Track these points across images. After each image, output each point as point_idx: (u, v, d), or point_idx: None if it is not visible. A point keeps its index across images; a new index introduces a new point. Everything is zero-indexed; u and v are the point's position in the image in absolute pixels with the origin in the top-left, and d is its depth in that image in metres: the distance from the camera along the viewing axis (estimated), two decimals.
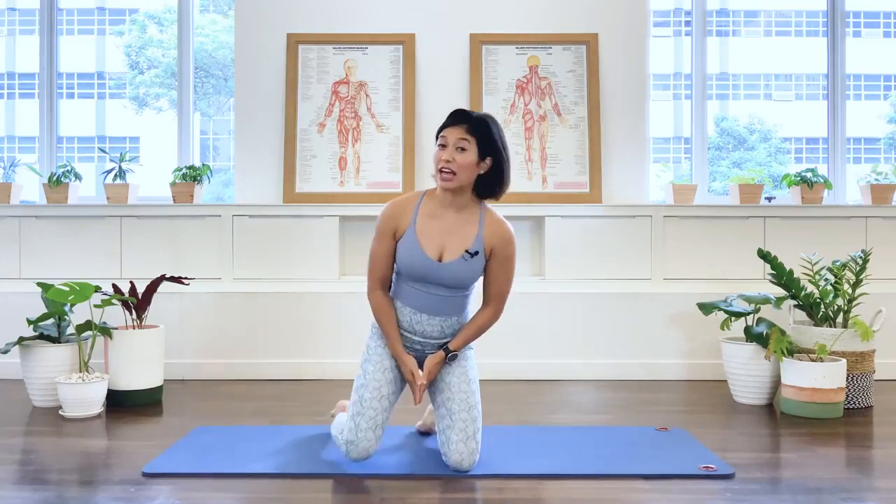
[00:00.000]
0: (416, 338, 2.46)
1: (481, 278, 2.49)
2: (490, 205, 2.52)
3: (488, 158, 2.37)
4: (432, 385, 2.47)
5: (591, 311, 3.94)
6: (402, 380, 2.48)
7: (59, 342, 3.36)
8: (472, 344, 2.55)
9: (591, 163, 4.18)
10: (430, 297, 2.41)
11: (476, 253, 2.39)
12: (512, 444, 2.68)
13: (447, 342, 2.46)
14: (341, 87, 4.25)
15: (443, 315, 2.44)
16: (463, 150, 2.33)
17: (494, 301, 2.48)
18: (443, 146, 2.35)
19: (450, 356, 2.44)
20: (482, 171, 2.40)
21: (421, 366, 2.46)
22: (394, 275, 2.50)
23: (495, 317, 2.50)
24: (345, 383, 3.64)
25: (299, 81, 4.23)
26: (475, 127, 2.34)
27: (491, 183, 2.43)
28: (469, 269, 2.40)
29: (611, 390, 3.68)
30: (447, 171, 2.34)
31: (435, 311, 2.43)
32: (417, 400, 2.41)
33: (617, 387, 3.75)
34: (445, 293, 2.42)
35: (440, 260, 2.38)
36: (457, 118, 2.36)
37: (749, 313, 3.47)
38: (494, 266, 2.45)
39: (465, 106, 4.23)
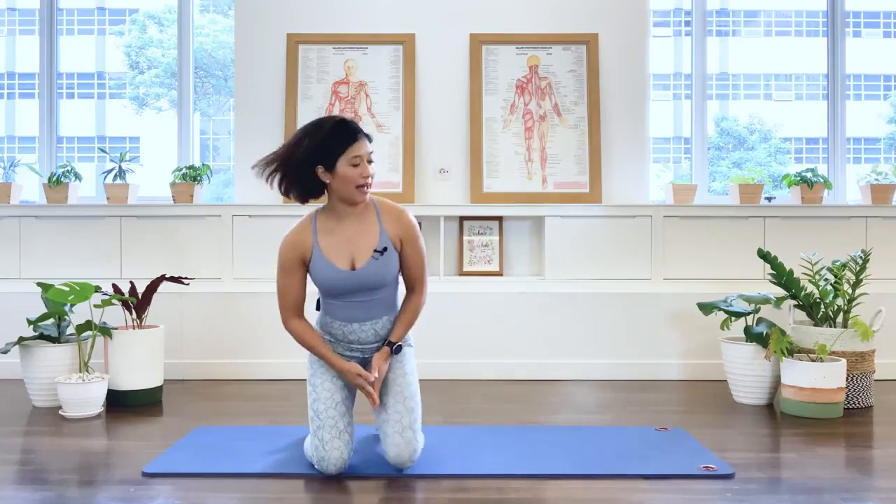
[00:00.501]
0: (353, 346, 2.49)
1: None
2: (375, 196, 2.51)
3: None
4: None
5: (590, 311, 3.94)
6: (352, 389, 2.50)
7: (59, 342, 3.36)
8: (411, 340, 2.60)
9: (591, 163, 4.18)
10: (356, 306, 2.43)
11: (385, 249, 2.40)
12: (512, 444, 2.68)
13: (387, 340, 2.47)
14: (341, 87, 4.25)
15: (373, 319, 2.46)
16: (371, 161, 2.38)
17: (417, 284, 2.49)
18: (356, 164, 2.33)
19: (395, 348, 2.45)
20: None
21: (367, 368, 2.47)
22: (319, 295, 2.51)
23: (422, 298, 2.51)
24: None
25: (299, 81, 4.23)
26: (370, 137, 2.40)
27: None
28: (385, 266, 2.41)
29: (611, 390, 3.68)
30: (368, 185, 2.37)
31: (364, 318, 2.45)
32: (374, 401, 2.38)
33: (617, 387, 3.75)
34: (370, 297, 2.43)
35: (353, 268, 2.40)
36: (359, 132, 2.35)
37: (749, 313, 3.47)
38: (407, 251, 2.46)
39: (464, 106, 4.24)
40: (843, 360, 3.19)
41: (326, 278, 2.40)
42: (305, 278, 2.47)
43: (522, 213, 4.10)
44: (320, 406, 2.39)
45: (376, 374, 2.39)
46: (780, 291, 3.57)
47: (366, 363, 2.49)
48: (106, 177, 4.20)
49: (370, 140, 2.39)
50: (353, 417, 2.46)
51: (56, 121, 4.56)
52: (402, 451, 2.33)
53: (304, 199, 2.44)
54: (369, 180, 2.36)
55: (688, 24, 4.56)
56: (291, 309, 2.46)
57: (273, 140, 4.24)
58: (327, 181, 2.37)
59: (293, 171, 2.37)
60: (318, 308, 2.56)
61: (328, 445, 2.33)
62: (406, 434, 2.34)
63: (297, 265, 2.43)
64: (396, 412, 2.37)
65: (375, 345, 2.49)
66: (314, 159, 2.33)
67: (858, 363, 3.30)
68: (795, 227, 4.05)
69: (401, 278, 2.53)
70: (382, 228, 2.42)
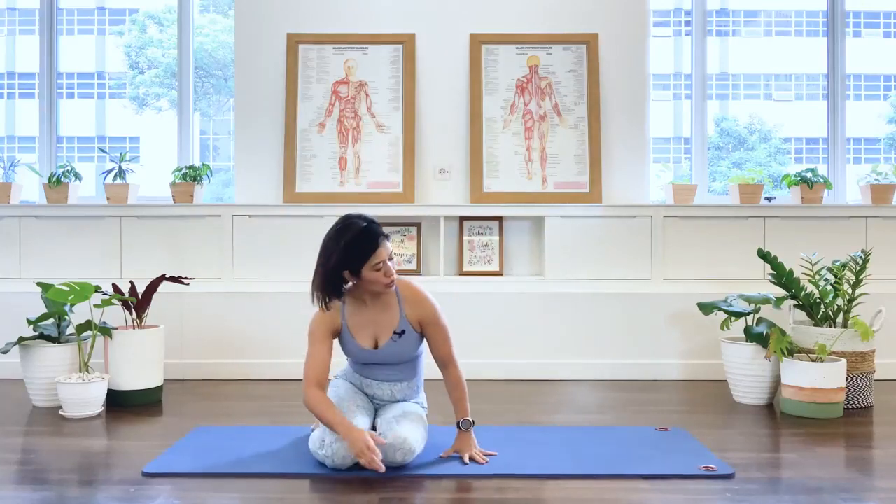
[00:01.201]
0: (368, 395, 2.65)
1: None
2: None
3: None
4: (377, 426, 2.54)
5: (591, 311, 3.94)
6: (372, 405, 2.63)
7: (59, 342, 3.36)
8: (425, 402, 2.74)
9: (591, 163, 4.18)
10: (378, 370, 2.61)
11: (403, 332, 2.54)
12: (512, 444, 2.67)
13: (401, 401, 2.63)
14: (341, 87, 4.25)
15: (391, 381, 2.62)
16: (391, 258, 2.47)
17: (448, 359, 2.57)
18: (379, 269, 2.42)
19: (463, 423, 2.52)
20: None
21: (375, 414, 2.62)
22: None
23: (459, 370, 2.59)
24: None
25: (299, 81, 4.23)
26: (387, 236, 2.48)
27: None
28: (403, 346, 2.56)
29: (611, 390, 3.68)
30: (392, 283, 2.47)
31: (383, 379, 2.61)
32: (379, 468, 2.33)
33: (617, 387, 3.75)
34: (392, 367, 2.60)
35: (376, 346, 2.55)
36: (379, 238, 2.43)
37: (749, 313, 3.47)
38: (430, 331, 2.56)
39: (464, 106, 4.24)
40: (843, 360, 3.19)
41: (352, 352, 2.60)
42: (332, 349, 2.56)
43: (522, 213, 4.10)
44: (342, 405, 2.51)
45: (451, 453, 2.51)
46: (780, 291, 3.57)
47: (376, 409, 2.64)
48: (106, 177, 4.20)
49: (388, 239, 2.47)
50: (370, 425, 2.53)
51: (56, 121, 4.56)
52: (408, 437, 2.39)
53: (338, 298, 2.52)
54: (392, 278, 2.46)
55: (688, 24, 4.56)
56: (313, 379, 2.48)
57: (273, 140, 4.25)
58: (354, 282, 2.49)
59: (328, 286, 2.48)
60: None
61: (335, 444, 2.36)
62: (404, 423, 2.44)
63: (327, 335, 2.54)
64: (395, 418, 2.49)
65: (388, 401, 2.63)
66: (341, 268, 2.44)
67: (858, 363, 3.30)
68: (795, 227, 4.05)
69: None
70: (402, 313, 2.54)
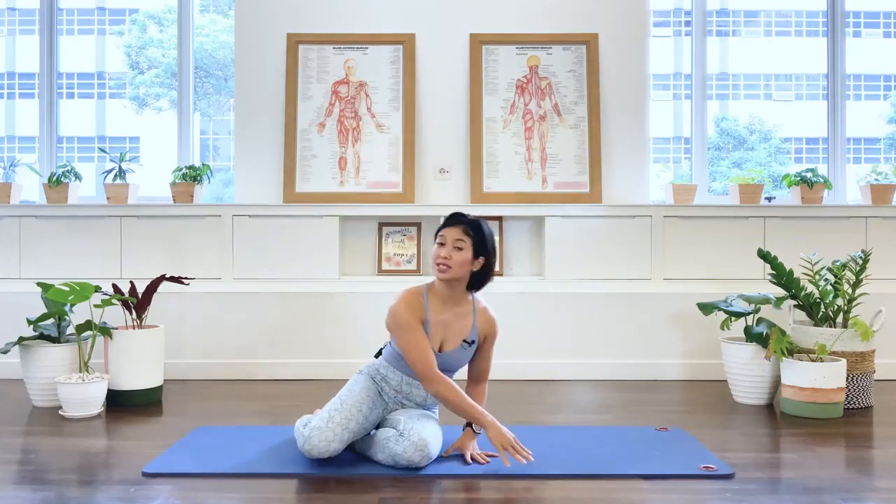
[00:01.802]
0: (400, 396, 2.63)
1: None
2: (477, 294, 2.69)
3: (481, 258, 2.57)
4: (386, 421, 2.59)
5: (591, 311, 3.94)
6: (377, 419, 2.59)
7: (59, 342, 3.36)
8: (437, 415, 2.75)
9: (591, 163, 4.18)
10: None
11: (473, 342, 2.63)
12: None
13: (422, 407, 2.66)
14: (341, 87, 4.25)
15: None
16: (460, 248, 2.54)
17: (486, 375, 2.73)
18: (441, 244, 2.56)
19: (477, 427, 2.54)
20: (475, 269, 2.58)
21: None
22: (390, 344, 2.66)
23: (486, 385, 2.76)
24: (344, 384, 3.64)
25: (299, 81, 4.23)
26: (471, 230, 2.56)
27: (481, 278, 2.62)
28: (464, 356, 2.63)
29: (611, 390, 3.68)
30: (444, 265, 2.54)
31: None
32: (528, 458, 2.40)
33: (617, 387, 3.75)
34: (444, 373, 2.58)
35: (441, 350, 2.59)
36: (455, 220, 2.58)
37: (749, 313, 3.47)
38: (486, 348, 2.69)
39: (464, 106, 4.24)
40: (843, 360, 3.19)
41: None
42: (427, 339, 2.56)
43: (522, 213, 4.10)
44: (349, 400, 2.52)
45: (453, 451, 2.54)
46: (780, 291, 3.58)
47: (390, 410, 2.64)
48: (106, 177, 4.20)
49: (470, 232, 2.55)
50: (360, 433, 2.51)
51: (56, 121, 4.56)
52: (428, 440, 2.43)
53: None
54: (443, 261, 2.53)
55: (688, 24, 4.56)
56: (432, 364, 2.49)
57: (273, 140, 4.25)
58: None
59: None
60: (377, 356, 2.73)
61: (332, 425, 2.41)
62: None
63: (419, 323, 2.55)
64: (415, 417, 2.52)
65: (419, 405, 2.65)
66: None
67: (858, 363, 3.30)
68: (795, 227, 4.05)
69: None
70: (475, 324, 2.63)
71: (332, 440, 2.41)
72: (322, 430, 2.41)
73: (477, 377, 2.71)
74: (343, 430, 2.43)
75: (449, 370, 2.61)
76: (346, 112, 4.22)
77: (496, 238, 2.61)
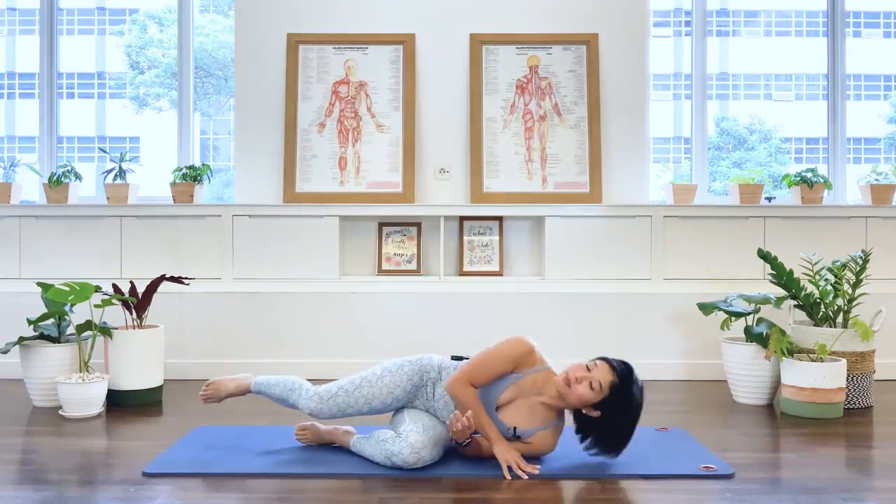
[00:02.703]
0: (436, 402, 2.57)
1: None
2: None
3: (598, 412, 2.41)
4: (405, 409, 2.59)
5: (591, 311, 3.94)
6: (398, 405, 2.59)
7: (59, 342, 3.36)
8: None
9: (591, 163, 4.18)
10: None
11: (518, 437, 2.47)
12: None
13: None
14: (341, 87, 4.25)
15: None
16: (592, 388, 2.38)
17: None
18: (589, 369, 2.41)
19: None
20: (586, 411, 2.44)
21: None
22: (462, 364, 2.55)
23: None
24: None
25: (299, 81, 4.23)
26: (614, 390, 2.39)
27: (583, 424, 2.48)
28: (503, 429, 2.48)
29: None
30: (570, 381, 2.39)
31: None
32: (526, 475, 2.38)
33: None
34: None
35: (498, 409, 2.48)
36: (615, 369, 2.42)
37: (749, 313, 3.47)
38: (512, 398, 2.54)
39: (464, 106, 4.24)
40: (843, 360, 3.19)
41: (490, 389, 2.48)
42: (503, 376, 2.49)
43: (522, 213, 4.10)
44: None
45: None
46: (780, 291, 3.57)
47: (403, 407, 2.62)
48: (106, 177, 4.20)
49: (611, 389, 2.40)
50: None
51: (56, 121, 4.56)
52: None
53: None
54: (575, 377, 2.41)
55: (688, 24, 4.56)
56: (469, 380, 2.44)
57: (273, 140, 4.25)
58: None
59: None
60: (456, 359, 2.63)
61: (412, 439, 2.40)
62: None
63: (513, 364, 2.47)
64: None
65: (442, 417, 2.56)
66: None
67: (858, 363, 3.30)
68: (795, 227, 4.05)
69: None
70: (534, 432, 2.49)
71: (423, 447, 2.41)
72: (416, 443, 2.39)
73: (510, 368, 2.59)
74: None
75: (485, 401, 2.48)
76: (346, 112, 4.22)
77: (601, 367, 2.41)
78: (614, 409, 2.39)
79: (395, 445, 2.40)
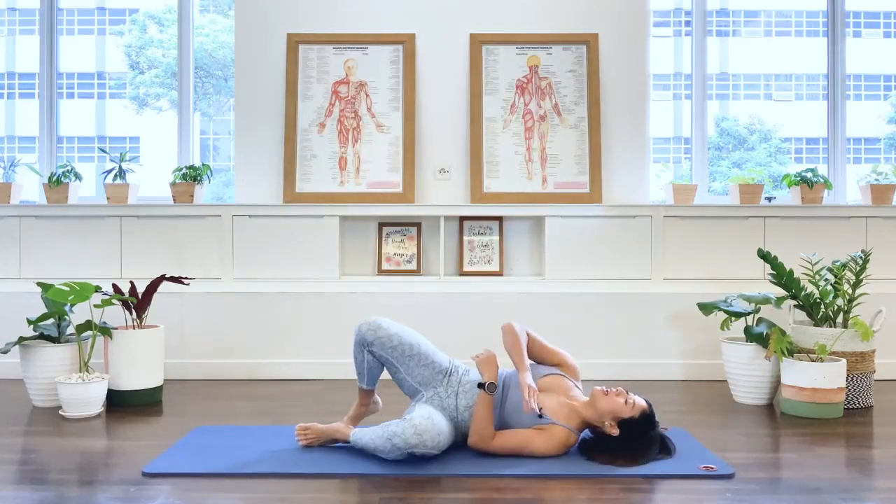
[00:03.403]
0: (459, 399, 2.64)
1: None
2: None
3: (619, 429, 2.50)
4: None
5: (591, 311, 3.94)
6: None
7: (59, 342, 3.36)
8: None
9: (591, 163, 4.18)
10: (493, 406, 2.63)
11: (541, 416, 2.54)
12: None
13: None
14: (341, 87, 4.25)
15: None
16: (626, 403, 2.51)
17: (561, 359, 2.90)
18: (625, 392, 2.53)
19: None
20: (608, 431, 2.51)
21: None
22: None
23: None
24: (344, 383, 3.65)
25: (299, 81, 4.23)
26: (644, 412, 2.52)
27: (607, 452, 2.53)
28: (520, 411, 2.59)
29: None
30: (614, 394, 2.51)
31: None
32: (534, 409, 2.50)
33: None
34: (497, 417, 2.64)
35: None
36: (647, 401, 2.58)
37: (749, 313, 3.47)
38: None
39: (464, 106, 4.24)
40: (843, 360, 3.19)
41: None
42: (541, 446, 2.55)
43: (522, 213, 4.10)
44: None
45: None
46: (780, 291, 3.57)
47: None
48: (106, 177, 4.20)
49: (632, 421, 2.53)
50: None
51: (56, 121, 4.56)
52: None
53: None
54: (617, 394, 2.55)
55: (688, 24, 4.56)
56: (491, 435, 2.55)
57: (273, 140, 4.25)
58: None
59: None
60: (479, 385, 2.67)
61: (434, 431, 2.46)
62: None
63: (557, 447, 2.54)
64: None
65: (454, 411, 2.64)
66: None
67: (858, 363, 3.30)
68: (795, 227, 4.05)
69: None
70: (551, 419, 2.58)
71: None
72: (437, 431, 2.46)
73: (559, 363, 2.81)
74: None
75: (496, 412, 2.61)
76: (346, 112, 4.22)
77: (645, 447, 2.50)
78: (636, 432, 2.49)
79: (399, 426, 2.43)
